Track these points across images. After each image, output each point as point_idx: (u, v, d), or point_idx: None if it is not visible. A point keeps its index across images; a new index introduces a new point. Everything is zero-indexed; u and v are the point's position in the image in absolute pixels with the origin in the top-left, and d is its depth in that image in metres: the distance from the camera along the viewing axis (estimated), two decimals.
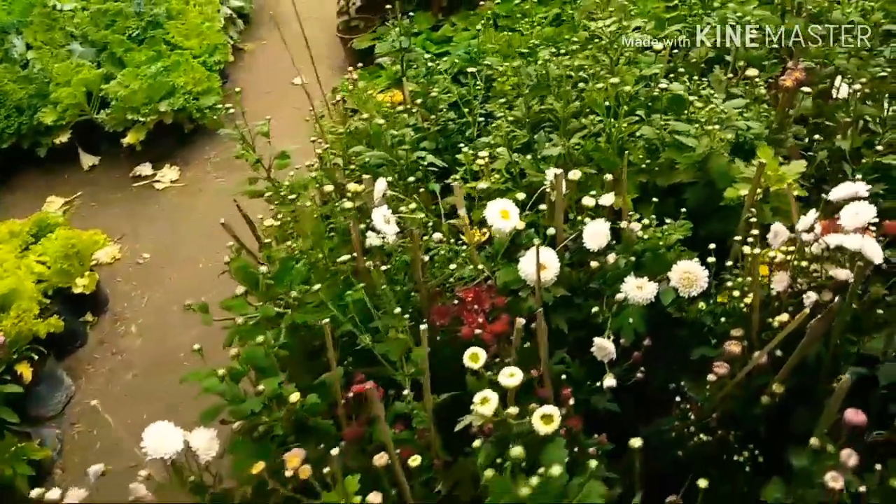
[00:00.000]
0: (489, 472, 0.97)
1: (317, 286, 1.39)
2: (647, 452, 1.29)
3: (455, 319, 1.47)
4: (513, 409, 1.15)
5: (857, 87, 1.60)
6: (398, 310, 1.35)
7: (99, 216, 3.39)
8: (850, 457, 1.06)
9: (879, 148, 1.59)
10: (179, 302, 2.92)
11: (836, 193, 1.23)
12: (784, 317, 1.25)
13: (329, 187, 1.69)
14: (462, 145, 1.90)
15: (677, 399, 1.39)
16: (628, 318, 1.38)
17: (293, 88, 2.12)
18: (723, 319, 1.38)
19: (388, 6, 2.54)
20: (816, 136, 1.70)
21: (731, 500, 1.38)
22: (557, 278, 1.49)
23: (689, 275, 1.31)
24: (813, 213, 1.25)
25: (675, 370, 1.48)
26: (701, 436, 1.34)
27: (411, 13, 3.14)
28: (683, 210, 1.53)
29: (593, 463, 0.99)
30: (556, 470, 0.92)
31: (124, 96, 3.45)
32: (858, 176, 1.32)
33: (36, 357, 2.34)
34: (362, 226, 1.53)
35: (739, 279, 1.33)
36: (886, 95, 1.76)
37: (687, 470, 1.26)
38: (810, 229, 1.23)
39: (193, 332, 2.64)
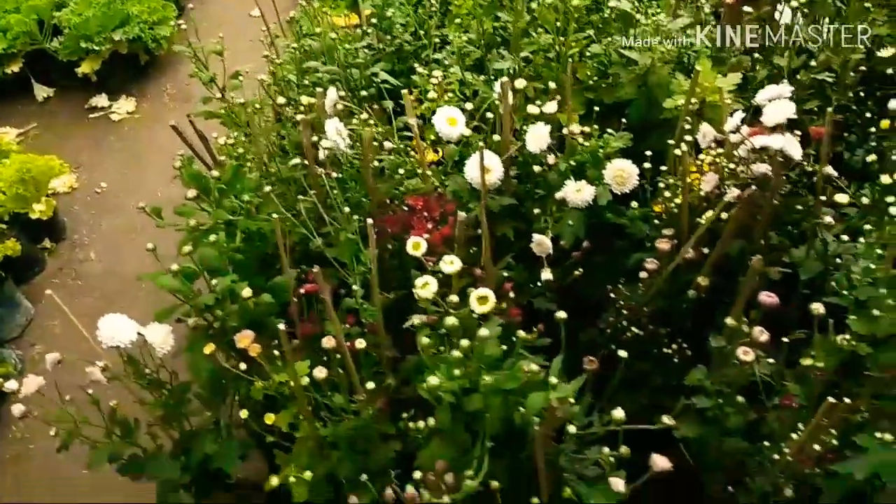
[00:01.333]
0: (425, 340, 1.04)
1: (268, 187, 1.42)
2: (583, 348, 1.37)
3: (405, 228, 1.52)
4: (453, 297, 1.21)
5: (795, 4, 1.65)
6: (347, 209, 1.39)
7: (55, 147, 3.32)
8: (761, 333, 1.15)
9: (813, 64, 1.66)
10: (138, 230, 2.94)
11: (763, 95, 1.29)
12: (710, 213, 1.32)
13: (282, 100, 1.70)
14: (418, 66, 1.92)
15: (612, 296, 1.47)
16: (568, 220, 1.44)
17: (249, 22, 2.10)
18: (657, 222, 1.46)
19: None
20: (756, 55, 1.76)
21: (661, 391, 1.48)
22: (504, 187, 1.55)
23: (623, 172, 1.37)
24: (739, 114, 1.31)
25: (612, 277, 1.57)
26: (633, 329, 1.42)
27: None
28: (624, 121, 1.58)
29: (521, 333, 1.06)
30: (484, 332, 0.99)
31: (77, 24, 3.36)
32: (784, 81, 1.39)
33: None
34: (315, 138, 1.56)
35: (672, 180, 1.40)
36: (826, 19, 1.83)
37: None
38: (736, 130, 1.30)
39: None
